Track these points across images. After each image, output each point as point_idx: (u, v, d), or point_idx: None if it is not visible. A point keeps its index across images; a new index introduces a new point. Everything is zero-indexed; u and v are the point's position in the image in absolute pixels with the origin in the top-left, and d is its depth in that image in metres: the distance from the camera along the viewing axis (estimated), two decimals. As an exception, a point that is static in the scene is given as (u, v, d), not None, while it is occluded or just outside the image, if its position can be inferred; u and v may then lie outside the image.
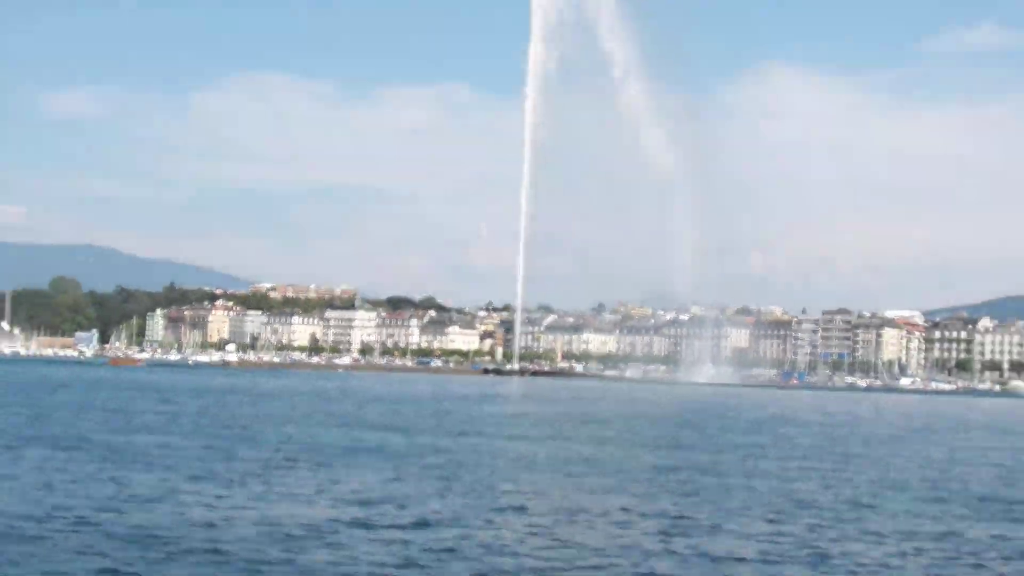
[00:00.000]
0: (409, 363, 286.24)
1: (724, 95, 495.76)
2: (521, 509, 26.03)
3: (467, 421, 62.01)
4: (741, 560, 20.06)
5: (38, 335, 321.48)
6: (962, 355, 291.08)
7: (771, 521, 25.12)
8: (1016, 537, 23.83)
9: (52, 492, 25.84)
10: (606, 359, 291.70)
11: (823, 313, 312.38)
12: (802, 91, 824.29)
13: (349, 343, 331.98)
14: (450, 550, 19.86)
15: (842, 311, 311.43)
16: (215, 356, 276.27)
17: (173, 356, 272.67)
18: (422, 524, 22.75)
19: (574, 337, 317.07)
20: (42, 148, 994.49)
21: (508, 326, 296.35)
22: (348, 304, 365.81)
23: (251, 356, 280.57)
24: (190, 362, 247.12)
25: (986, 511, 28.41)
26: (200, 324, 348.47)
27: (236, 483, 28.77)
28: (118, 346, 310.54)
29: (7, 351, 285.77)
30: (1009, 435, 68.65)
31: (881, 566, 19.80)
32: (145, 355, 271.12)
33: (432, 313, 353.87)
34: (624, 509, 26.41)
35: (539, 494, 29.01)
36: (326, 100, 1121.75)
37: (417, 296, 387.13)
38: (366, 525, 22.39)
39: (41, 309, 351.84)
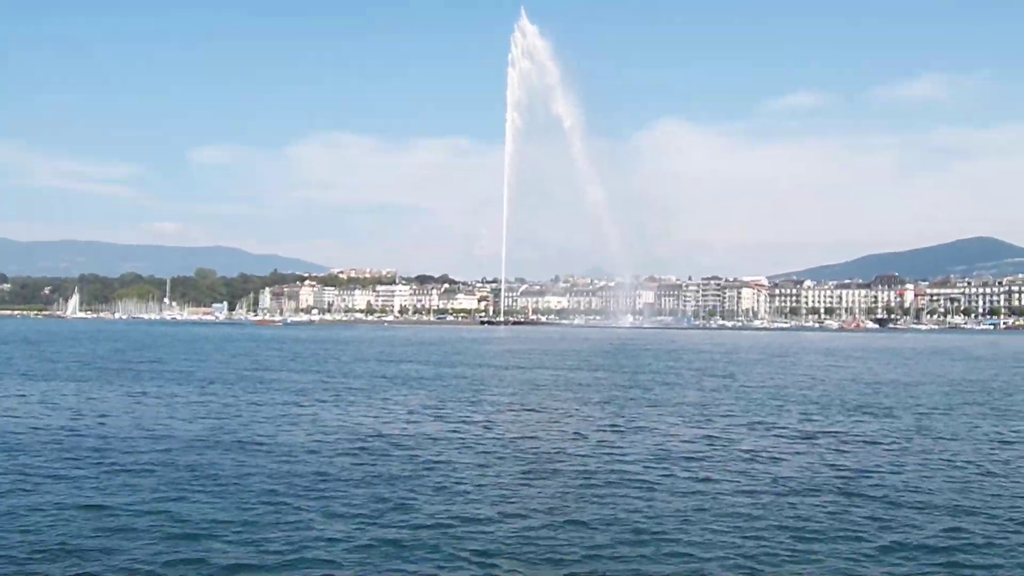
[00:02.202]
0: (432, 319, 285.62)
1: (636, 140, 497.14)
2: (517, 414, 25.56)
3: (477, 356, 61.57)
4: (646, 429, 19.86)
5: (188, 307, 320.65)
6: (793, 304, 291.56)
7: (702, 414, 24.75)
8: (859, 423, 23.64)
9: (212, 414, 25.26)
10: (560, 313, 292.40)
11: (702, 279, 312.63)
12: (684, 136, 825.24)
13: (392, 306, 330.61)
14: (485, 427, 19.58)
15: (715, 278, 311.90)
16: (304, 317, 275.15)
17: (278, 318, 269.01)
18: (465, 421, 22.40)
19: (539, 299, 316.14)
20: (191, 183, 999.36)
21: (496, 293, 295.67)
22: (391, 281, 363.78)
23: (328, 316, 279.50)
24: (288, 320, 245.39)
25: (828, 408, 28.15)
26: (294, 297, 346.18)
27: (338, 402, 28.21)
28: (241, 313, 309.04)
29: (168, 317, 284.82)
30: (831, 356, 68.39)
31: (759, 447, 19.50)
32: (257, 317, 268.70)
33: (447, 285, 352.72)
34: (595, 405, 26.21)
35: (534, 404, 28.44)
36: (375, 148, 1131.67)
37: (436, 274, 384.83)
38: (432, 424, 22.00)
39: (190, 289, 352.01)
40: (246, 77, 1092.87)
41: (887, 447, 19.58)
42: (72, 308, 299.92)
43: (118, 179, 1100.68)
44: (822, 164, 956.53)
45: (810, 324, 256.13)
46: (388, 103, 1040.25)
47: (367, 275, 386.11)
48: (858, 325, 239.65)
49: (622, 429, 22.04)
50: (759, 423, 23.62)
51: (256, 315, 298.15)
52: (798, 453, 18.61)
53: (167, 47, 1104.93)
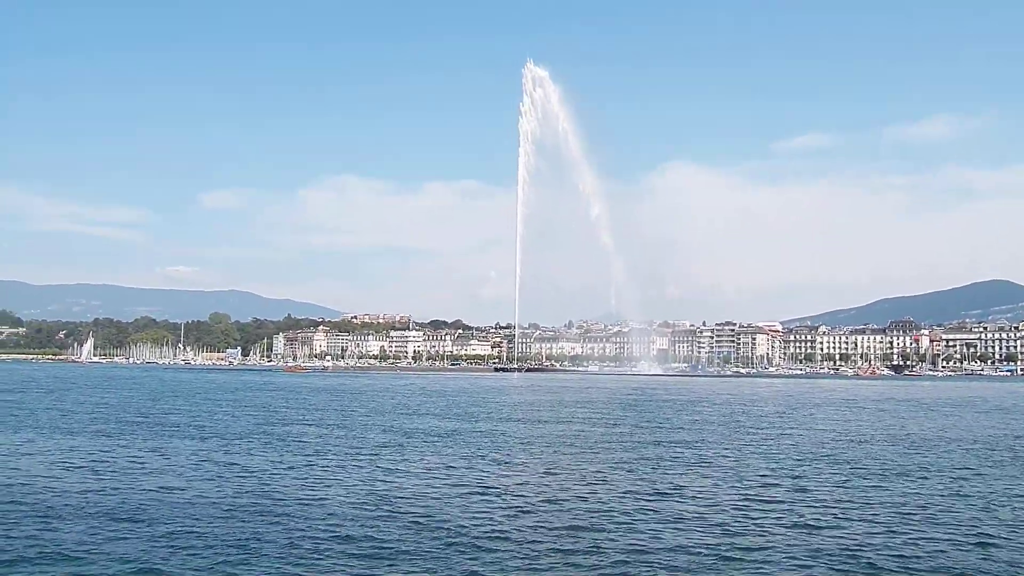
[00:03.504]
0: (446, 364, 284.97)
1: (647, 182, 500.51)
2: (544, 478, 25.16)
3: (497, 409, 60.96)
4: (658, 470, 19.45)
5: (203, 352, 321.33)
6: (808, 351, 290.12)
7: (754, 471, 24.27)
8: (896, 488, 23.20)
9: (237, 475, 24.93)
10: (574, 359, 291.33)
11: (716, 324, 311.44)
12: (695, 178, 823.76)
13: (406, 352, 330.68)
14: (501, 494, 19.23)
15: (728, 323, 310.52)
16: (318, 364, 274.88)
17: (307, 365, 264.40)
18: (491, 487, 22.03)
19: (553, 345, 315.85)
20: (202, 227, 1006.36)
21: (510, 338, 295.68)
22: (404, 326, 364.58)
23: (341, 363, 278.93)
24: (304, 366, 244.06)
25: (830, 462, 27.71)
26: (308, 342, 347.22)
27: (360, 460, 27.83)
28: (255, 358, 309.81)
29: (182, 362, 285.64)
30: (853, 408, 67.58)
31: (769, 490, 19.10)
32: (272, 364, 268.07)
33: (460, 331, 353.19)
34: (622, 466, 25.70)
35: (560, 465, 28.00)
36: (386, 192, 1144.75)
37: (450, 319, 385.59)
38: (458, 489, 21.65)
39: (204, 334, 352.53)
40: (255, 121, 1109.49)
41: (935, 516, 19.19)
42: (87, 353, 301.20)
43: (130, 223, 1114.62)
44: (834, 205, 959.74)
45: (825, 371, 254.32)
46: (397, 147, 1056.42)
47: (380, 320, 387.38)
48: (874, 372, 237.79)
49: (654, 495, 21.64)
50: (793, 488, 23.18)
51: (271, 360, 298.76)
52: (838, 524, 18.22)
53: (176, 92, 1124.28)
